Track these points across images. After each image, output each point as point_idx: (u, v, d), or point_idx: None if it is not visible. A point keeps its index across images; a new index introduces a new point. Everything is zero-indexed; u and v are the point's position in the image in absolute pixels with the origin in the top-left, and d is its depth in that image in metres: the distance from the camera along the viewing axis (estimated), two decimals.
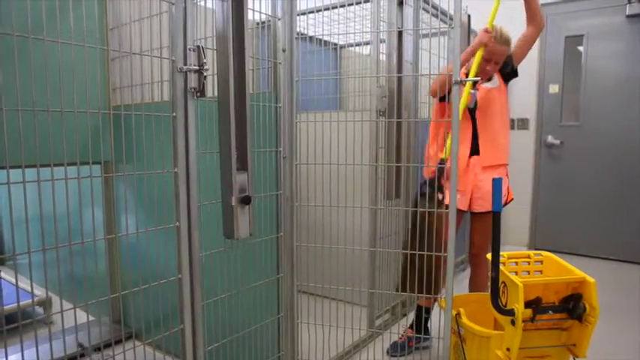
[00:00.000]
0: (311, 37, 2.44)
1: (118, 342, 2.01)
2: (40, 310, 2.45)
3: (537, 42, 3.97)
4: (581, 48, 3.89)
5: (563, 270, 1.53)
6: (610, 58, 3.75)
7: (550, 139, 4.00)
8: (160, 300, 1.42)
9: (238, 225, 1.42)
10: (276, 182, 1.69)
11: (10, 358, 1.42)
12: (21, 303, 2.18)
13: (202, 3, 1.45)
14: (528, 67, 4.07)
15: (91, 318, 2.13)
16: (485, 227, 2.13)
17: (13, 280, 2.56)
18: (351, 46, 2.98)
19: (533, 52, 4.03)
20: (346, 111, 2.60)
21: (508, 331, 1.43)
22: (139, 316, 1.62)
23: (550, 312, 1.40)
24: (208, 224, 1.46)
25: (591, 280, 1.38)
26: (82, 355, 1.68)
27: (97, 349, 1.70)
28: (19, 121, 1.12)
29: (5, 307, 2.13)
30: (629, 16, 3.65)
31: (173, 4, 1.31)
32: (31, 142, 1.18)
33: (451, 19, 3.04)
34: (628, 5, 3.62)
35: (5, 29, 1.11)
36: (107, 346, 1.88)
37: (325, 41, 2.45)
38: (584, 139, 3.89)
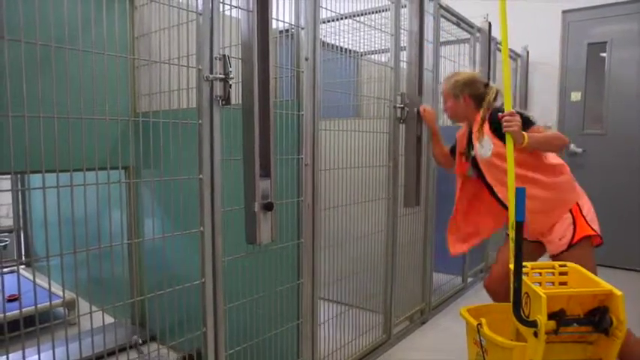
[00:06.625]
0: (331, 45, 2.46)
1: (140, 344, 2.05)
2: (62, 310, 2.50)
3: (559, 49, 3.97)
4: (604, 55, 3.83)
5: (588, 282, 1.50)
6: (634, 65, 3.68)
7: (572, 147, 3.94)
8: (183, 303, 1.44)
9: (261, 231, 1.43)
10: (298, 189, 1.71)
11: (33, 357, 1.45)
12: (42, 304, 2.22)
13: (228, 13, 1.48)
14: (550, 75, 4.02)
15: (112, 320, 2.17)
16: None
17: (39, 282, 2.62)
18: (372, 53, 3.00)
19: (555, 60, 4.00)
20: (365, 118, 2.60)
21: (531, 343, 1.41)
22: (161, 318, 1.65)
23: (575, 324, 1.38)
24: (231, 230, 1.48)
25: (618, 292, 1.35)
26: (108, 355, 1.72)
27: (122, 349, 1.73)
28: (55, 127, 1.16)
29: (30, 308, 2.19)
30: None
31: (200, 14, 1.35)
32: (64, 148, 1.22)
33: (471, 26, 3.04)
34: None
35: (39, 40, 1.16)
36: (129, 347, 1.91)
37: (345, 49, 2.46)
38: (608, 148, 3.81)
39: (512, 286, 1.46)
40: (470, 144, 2.02)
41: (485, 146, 1.86)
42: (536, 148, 1.78)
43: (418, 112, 2.29)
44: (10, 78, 1.15)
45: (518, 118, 1.67)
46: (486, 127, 1.88)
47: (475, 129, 1.94)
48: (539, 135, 1.76)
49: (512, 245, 1.62)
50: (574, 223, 1.78)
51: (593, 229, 1.78)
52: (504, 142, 1.66)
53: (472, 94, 1.97)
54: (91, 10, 1.33)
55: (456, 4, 2.79)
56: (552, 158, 1.88)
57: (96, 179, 1.24)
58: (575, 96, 3.97)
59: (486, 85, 1.99)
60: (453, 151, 2.22)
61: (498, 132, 1.78)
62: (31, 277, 2.73)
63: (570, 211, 1.81)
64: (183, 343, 1.47)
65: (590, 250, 1.79)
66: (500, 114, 1.71)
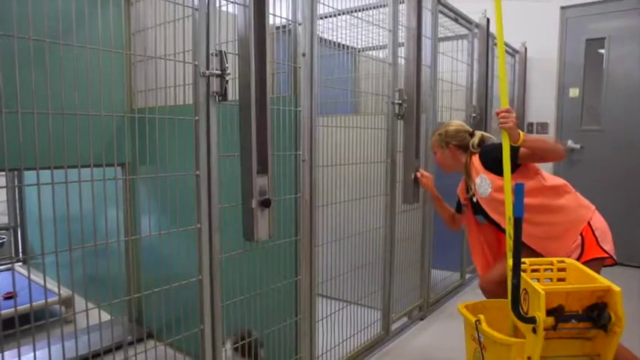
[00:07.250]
0: (328, 41, 2.44)
1: (137, 342, 2.03)
2: (58, 308, 2.49)
3: (557, 45, 3.97)
4: (602, 51, 3.83)
5: (587, 278, 1.50)
6: (632, 62, 3.68)
7: (570, 143, 3.94)
8: (180, 301, 1.43)
9: (258, 227, 1.43)
10: (295, 185, 1.70)
11: (29, 356, 1.44)
12: (38, 302, 2.20)
13: (224, 8, 1.46)
14: (548, 71, 4.02)
15: (109, 317, 2.16)
16: None
17: (35, 279, 2.60)
18: (369, 49, 2.98)
19: (553, 56, 4.00)
20: (363, 114, 2.59)
21: (529, 340, 1.41)
22: (157, 316, 1.64)
23: (573, 321, 1.37)
24: (229, 226, 1.47)
25: (617, 288, 1.34)
26: (104, 353, 1.71)
27: (119, 347, 1.72)
28: (50, 124, 1.14)
29: (26, 306, 2.18)
30: None
31: (197, 9, 1.33)
32: (59, 145, 1.21)
33: (469, 22, 3.03)
34: None
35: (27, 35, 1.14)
36: (125, 345, 1.90)
37: (343, 45, 2.45)
38: (605, 144, 3.81)
39: (510, 282, 1.46)
40: (469, 190, 2.02)
41: (483, 185, 1.89)
42: (531, 148, 1.75)
43: (416, 177, 2.31)
44: (3, 73, 1.13)
45: (514, 114, 1.67)
46: (477, 163, 1.91)
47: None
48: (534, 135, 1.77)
49: (509, 242, 1.62)
50: (582, 245, 1.78)
51: (604, 251, 1.77)
52: (501, 175, 1.64)
53: (458, 144, 2.01)
54: (85, 5, 1.32)
55: (454, 0, 2.78)
56: (552, 180, 1.87)
57: (91, 176, 1.23)
58: (574, 92, 3.97)
59: (472, 134, 2.02)
60: (458, 207, 2.18)
61: (491, 167, 1.85)
62: (26, 275, 2.72)
63: (581, 233, 1.80)
64: (180, 341, 1.46)
65: (597, 270, 1.73)
66: (496, 110, 1.70)
